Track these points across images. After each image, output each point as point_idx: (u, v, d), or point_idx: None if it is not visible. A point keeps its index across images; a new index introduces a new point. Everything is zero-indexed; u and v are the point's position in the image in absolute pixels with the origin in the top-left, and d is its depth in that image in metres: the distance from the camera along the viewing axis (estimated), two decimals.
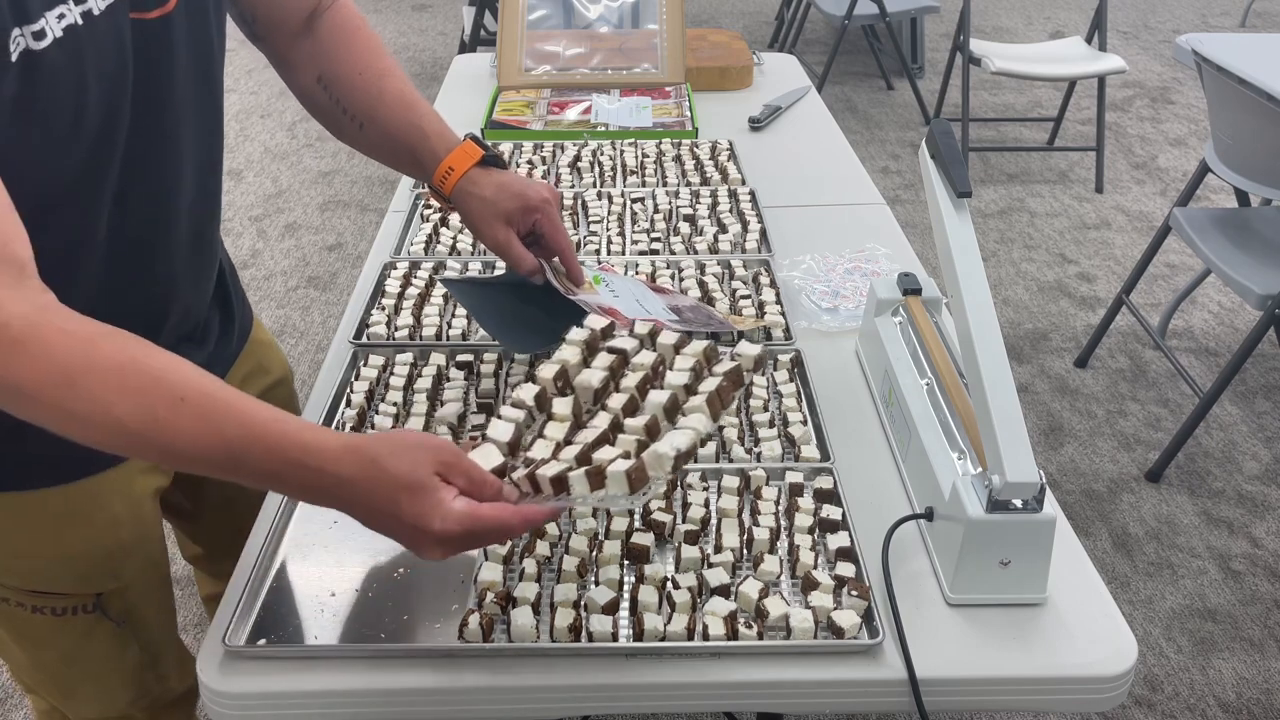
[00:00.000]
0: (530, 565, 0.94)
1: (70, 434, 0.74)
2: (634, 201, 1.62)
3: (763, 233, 1.53)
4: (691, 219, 1.58)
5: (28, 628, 1.07)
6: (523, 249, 1.12)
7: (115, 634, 1.10)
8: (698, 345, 0.95)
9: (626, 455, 0.83)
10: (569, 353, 0.96)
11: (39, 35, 0.78)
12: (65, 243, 0.89)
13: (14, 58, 0.77)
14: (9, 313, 0.71)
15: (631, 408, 0.90)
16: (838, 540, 0.97)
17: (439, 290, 1.37)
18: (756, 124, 1.97)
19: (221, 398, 0.75)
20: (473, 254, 1.47)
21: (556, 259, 1.15)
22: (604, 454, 0.84)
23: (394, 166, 1.19)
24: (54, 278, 0.77)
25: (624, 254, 1.48)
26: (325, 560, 0.97)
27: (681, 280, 1.41)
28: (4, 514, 0.99)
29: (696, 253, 1.48)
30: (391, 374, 1.21)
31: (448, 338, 1.28)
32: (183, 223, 1.01)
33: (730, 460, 1.09)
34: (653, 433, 0.86)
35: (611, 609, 0.90)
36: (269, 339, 1.30)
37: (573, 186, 1.69)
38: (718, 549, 0.96)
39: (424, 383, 1.18)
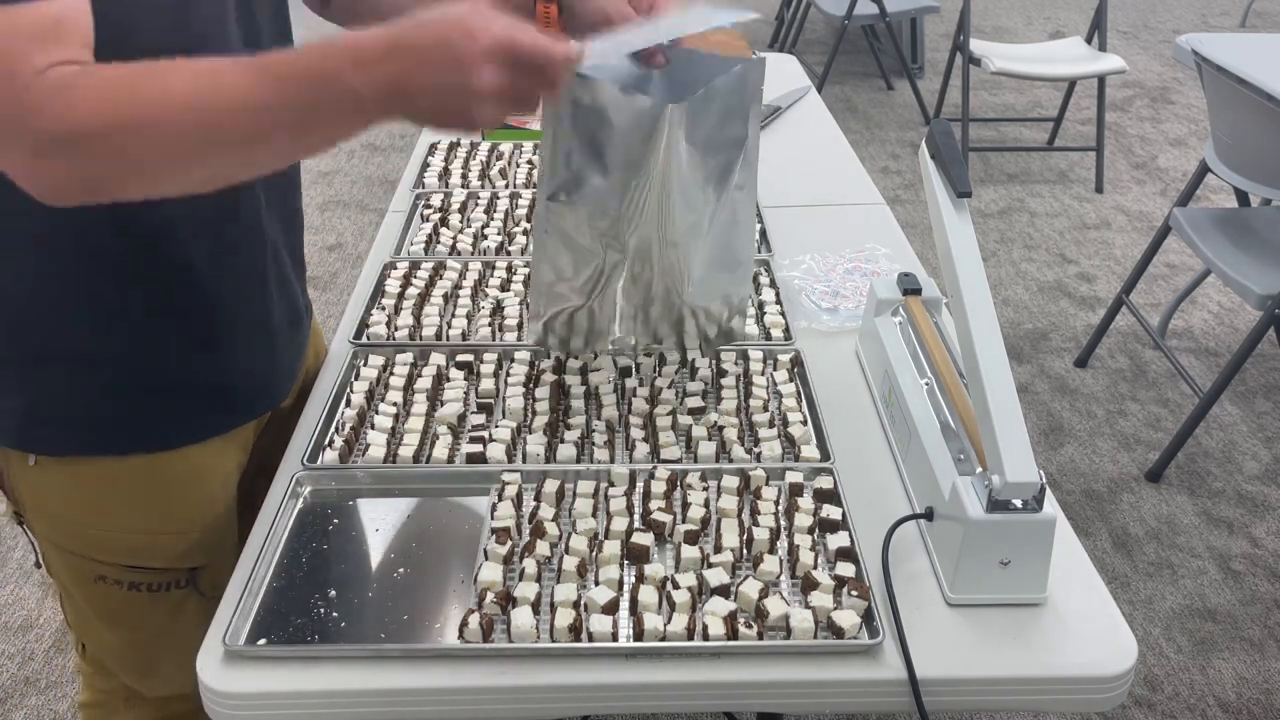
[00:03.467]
0: (530, 565, 0.94)
1: (150, 148, 0.74)
2: None
3: (763, 233, 1.53)
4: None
5: (121, 606, 1.07)
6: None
7: (204, 608, 1.07)
8: None
9: None
10: None
11: None
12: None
13: None
14: (60, 70, 0.72)
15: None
16: (838, 540, 0.97)
17: (439, 290, 1.37)
18: None
19: (255, 55, 0.76)
20: (472, 254, 1.47)
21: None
22: None
23: None
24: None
25: None
26: (325, 560, 0.97)
27: None
28: (117, 482, 1.00)
29: None
30: (391, 374, 1.21)
31: (448, 338, 1.28)
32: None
33: (730, 460, 1.09)
34: None
35: (611, 609, 0.90)
36: (316, 325, 1.30)
37: None
38: (717, 549, 0.97)
39: (424, 383, 1.18)
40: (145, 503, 1.03)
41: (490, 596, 0.90)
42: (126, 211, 0.83)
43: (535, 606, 0.89)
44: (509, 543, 0.96)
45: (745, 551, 0.97)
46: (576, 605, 0.90)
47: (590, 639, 0.87)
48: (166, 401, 0.99)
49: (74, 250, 0.90)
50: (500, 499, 1.02)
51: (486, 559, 0.95)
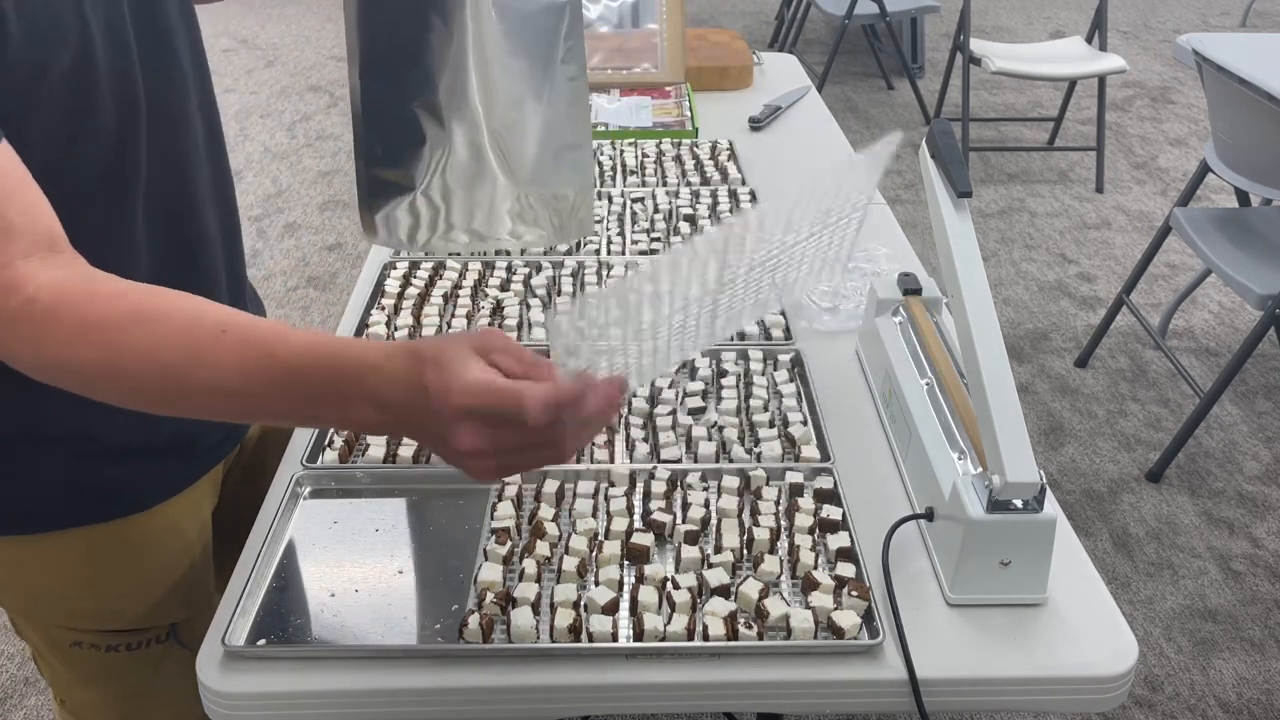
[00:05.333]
0: (530, 565, 0.94)
1: (124, 396, 0.72)
2: (634, 201, 1.62)
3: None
4: (691, 219, 1.57)
5: (100, 668, 1.05)
6: None
7: (186, 659, 1.04)
8: None
9: None
10: None
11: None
12: (109, 241, 0.86)
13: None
14: (37, 284, 0.68)
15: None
16: (838, 540, 0.97)
17: (439, 290, 1.37)
18: (756, 124, 1.97)
19: (262, 326, 0.72)
20: (472, 255, 1.47)
21: None
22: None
23: None
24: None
25: (624, 254, 1.48)
26: (325, 560, 0.97)
27: None
28: (82, 553, 0.98)
29: None
30: None
31: None
32: (209, 209, 0.99)
33: (730, 460, 1.09)
34: None
35: (611, 609, 0.90)
36: None
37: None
38: (718, 549, 0.96)
39: None
40: (120, 567, 1.01)
41: (490, 596, 0.90)
42: None
43: (535, 607, 0.89)
44: (509, 543, 0.96)
45: (745, 552, 0.97)
46: (576, 605, 0.90)
47: (590, 639, 0.87)
48: (132, 466, 0.95)
49: None
50: (500, 499, 1.02)
51: (486, 559, 0.95)
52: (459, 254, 1.47)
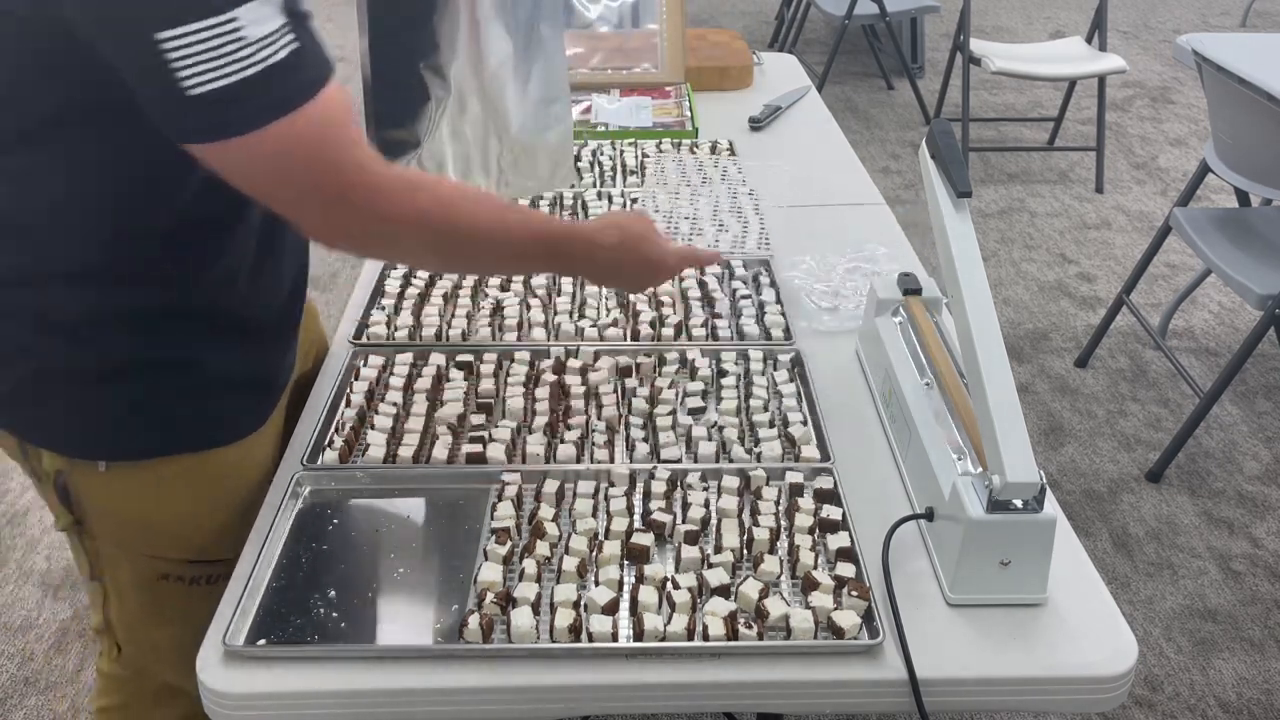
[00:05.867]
0: (530, 565, 0.94)
1: (448, 249, 0.95)
2: (634, 201, 1.62)
3: (762, 233, 1.53)
4: (692, 219, 1.58)
5: (179, 603, 1.08)
6: None
7: None
8: None
9: None
10: None
11: None
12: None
13: None
14: (377, 163, 0.85)
15: None
16: (838, 540, 0.97)
17: (439, 290, 1.37)
18: (756, 124, 1.97)
19: (526, 209, 1.07)
20: None
21: None
22: None
23: None
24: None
25: None
26: (325, 560, 0.97)
27: (681, 281, 1.41)
28: (176, 481, 1.03)
29: None
30: (391, 374, 1.21)
31: (448, 338, 1.28)
32: None
33: (730, 460, 1.09)
34: None
35: (611, 609, 0.90)
36: (313, 308, 1.31)
37: (573, 186, 1.69)
38: (718, 549, 0.96)
39: (424, 383, 1.18)
40: (207, 495, 1.06)
41: (490, 596, 0.90)
42: (189, 241, 0.94)
43: (535, 607, 0.89)
44: (509, 543, 0.96)
45: (745, 552, 0.97)
46: (576, 605, 0.90)
47: (590, 639, 0.87)
48: (227, 398, 1.03)
49: (143, 277, 0.94)
50: (500, 499, 1.02)
51: (486, 559, 0.95)
52: None
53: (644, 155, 1.77)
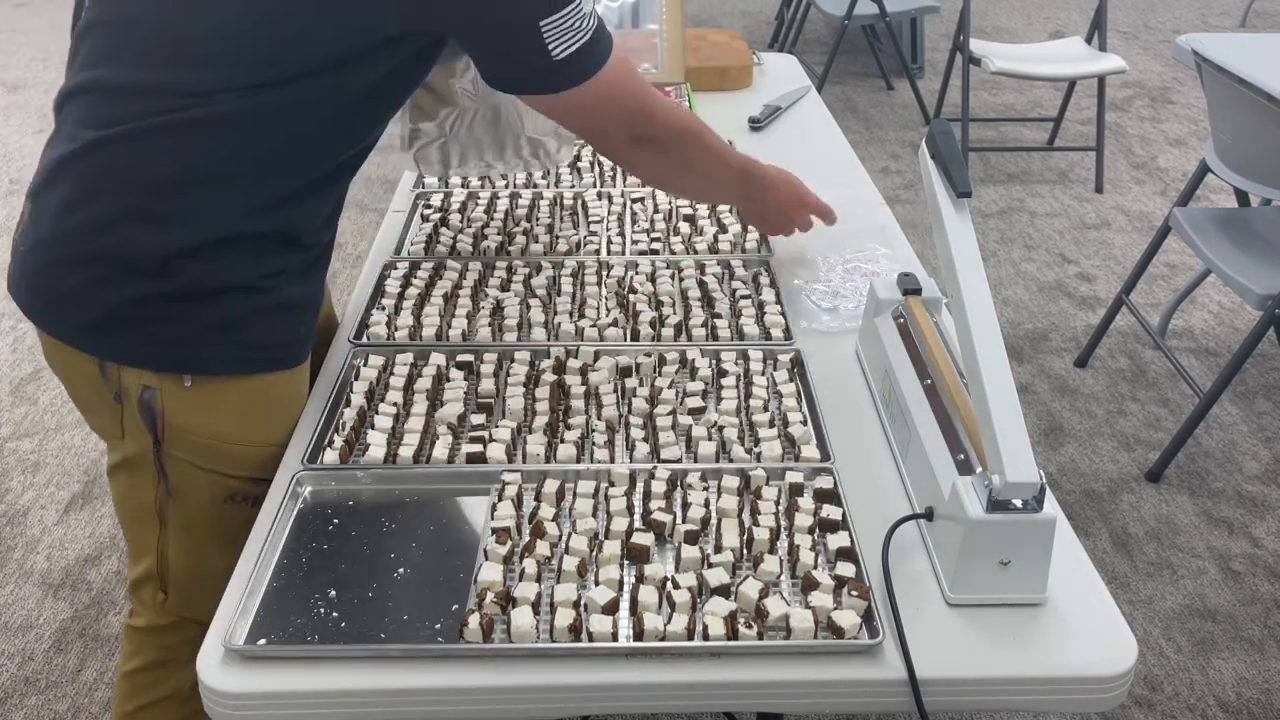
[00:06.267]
0: (530, 565, 0.94)
1: (699, 162, 1.25)
2: (634, 201, 1.62)
3: (762, 233, 1.53)
4: (691, 219, 1.58)
5: (242, 528, 1.08)
6: None
7: None
8: None
9: None
10: None
11: None
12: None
13: None
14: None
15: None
16: (838, 540, 0.97)
17: (439, 290, 1.37)
18: (756, 124, 1.97)
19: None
20: (472, 254, 1.47)
21: None
22: None
23: None
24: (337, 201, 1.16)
25: (624, 254, 1.48)
26: (325, 560, 0.97)
27: (682, 280, 1.42)
28: (253, 398, 1.11)
29: (696, 253, 1.48)
30: (391, 374, 1.21)
31: (448, 338, 1.28)
32: None
33: (730, 460, 1.09)
34: None
35: (612, 609, 0.90)
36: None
37: (573, 186, 1.69)
38: (718, 549, 0.96)
39: (424, 383, 1.18)
40: (270, 415, 1.14)
41: (490, 596, 0.90)
42: (329, 188, 1.13)
43: (535, 607, 0.89)
44: (509, 543, 0.96)
45: (745, 551, 0.97)
46: (576, 605, 0.90)
47: (590, 639, 0.87)
48: (297, 321, 1.14)
49: (272, 216, 1.07)
50: (500, 499, 1.02)
51: (486, 559, 0.95)
52: (459, 254, 1.47)
53: None
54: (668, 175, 1.27)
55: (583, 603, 0.91)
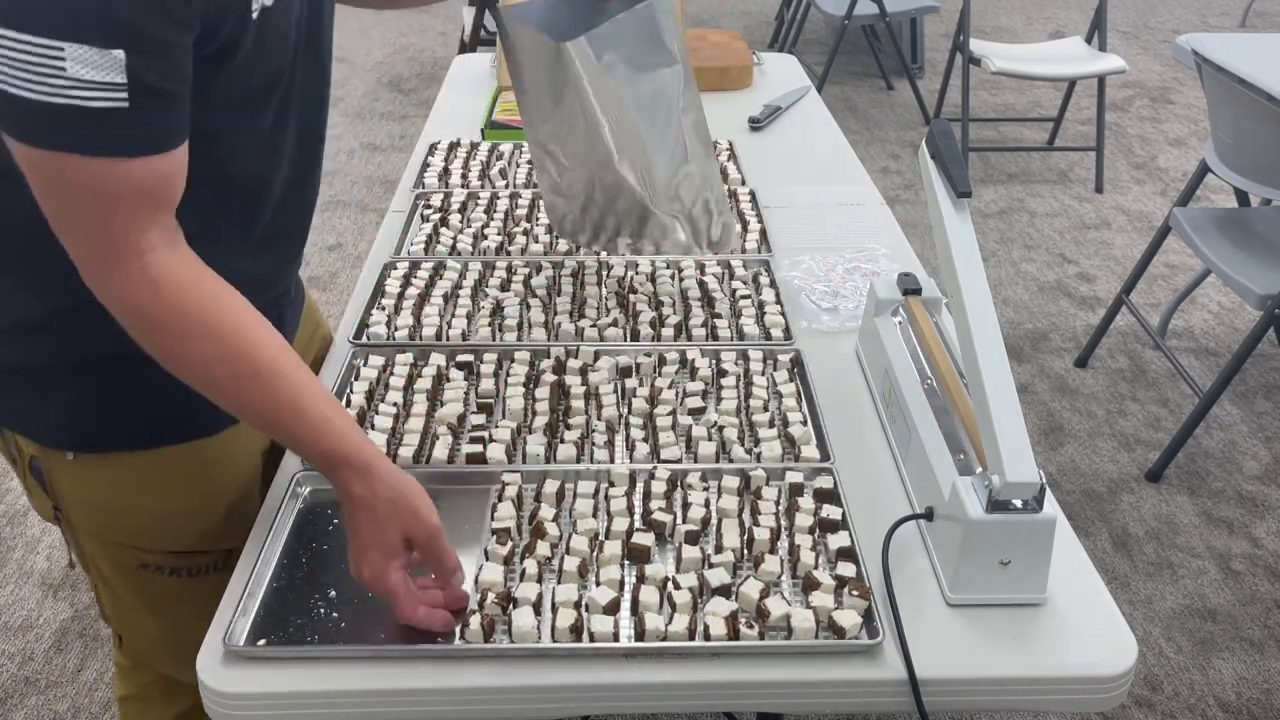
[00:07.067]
0: (531, 565, 0.93)
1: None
2: None
3: (763, 233, 1.53)
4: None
5: (164, 593, 1.09)
6: None
7: None
8: None
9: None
10: None
11: None
12: (264, 178, 1.00)
13: (255, 15, 0.86)
14: (158, 255, 0.83)
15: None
16: (838, 540, 0.97)
17: (439, 290, 1.37)
18: (756, 124, 1.97)
19: (289, 384, 0.88)
20: (473, 254, 1.47)
21: None
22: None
23: None
24: (246, 205, 0.97)
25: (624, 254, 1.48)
26: (325, 560, 0.97)
27: (682, 280, 1.41)
28: (157, 471, 1.04)
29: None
30: (391, 374, 1.21)
31: (448, 338, 1.28)
32: (322, 154, 1.11)
33: (730, 460, 1.09)
34: None
35: (612, 609, 0.90)
36: (312, 298, 1.33)
37: None
38: (718, 549, 0.96)
39: (424, 383, 1.18)
40: (183, 489, 1.06)
41: (491, 597, 0.90)
42: None
43: (536, 607, 0.89)
44: (509, 543, 0.96)
45: (746, 552, 0.97)
46: (578, 605, 0.90)
47: (592, 639, 0.87)
48: (190, 395, 1.00)
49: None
50: (500, 499, 1.02)
51: (487, 559, 0.95)
52: (459, 254, 1.47)
53: None
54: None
55: (584, 603, 0.91)
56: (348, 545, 0.90)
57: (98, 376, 0.98)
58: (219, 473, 1.08)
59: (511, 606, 0.89)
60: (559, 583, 0.93)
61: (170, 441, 1.03)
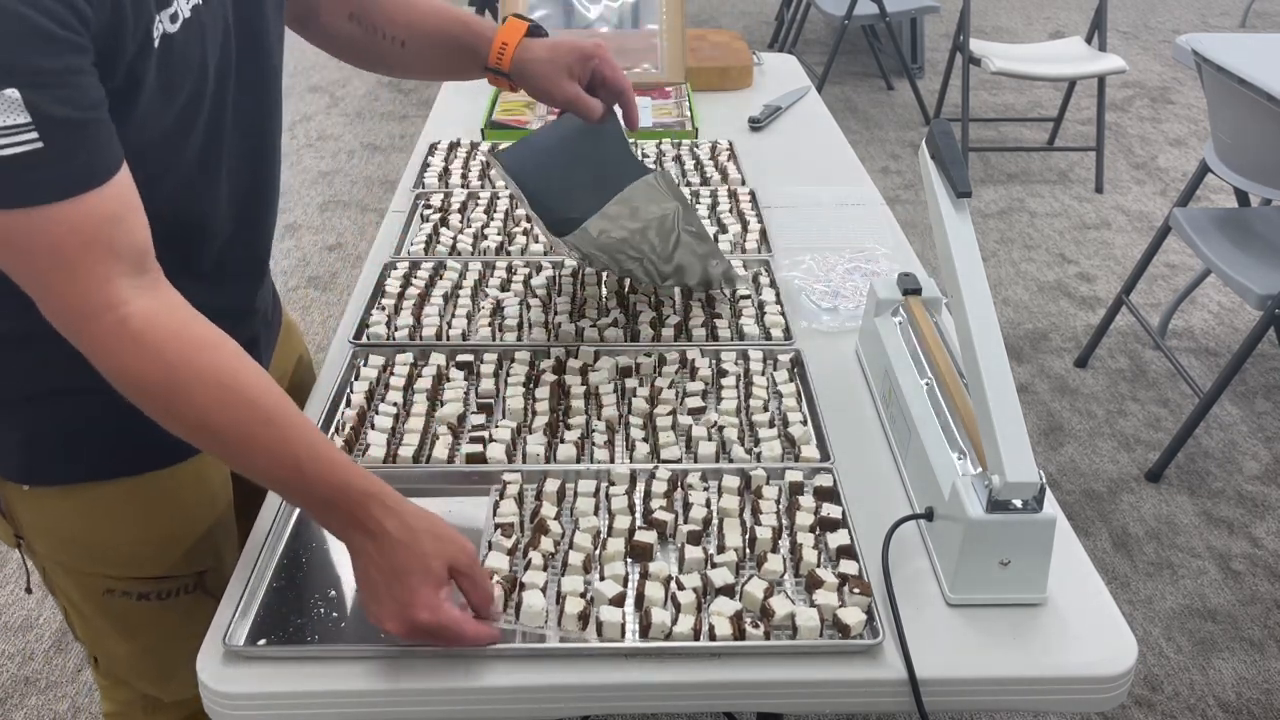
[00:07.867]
0: (536, 558, 0.93)
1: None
2: None
3: (763, 233, 1.53)
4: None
5: (133, 616, 1.08)
6: (590, 98, 1.19)
7: (214, 609, 1.04)
8: None
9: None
10: None
11: (174, 18, 0.84)
12: (198, 213, 0.96)
13: (156, 43, 0.82)
14: (132, 307, 0.77)
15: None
16: (838, 539, 0.97)
17: (439, 290, 1.37)
18: (756, 124, 1.97)
19: (300, 426, 0.83)
20: (473, 254, 1.47)
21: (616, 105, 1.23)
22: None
23: (443, 73, 1.28)
24: (187, 244, 0.92)
25: None
26: (325, 560, 0.97)
27: None
28: (117, 501, 1.02)
29: None
30: (391, 374, 1.21)
31: (448, 338, 1.28)
32: (275, 180, 1.08)
33: (730, 460, 1.09)
34: None
35: (619, 602, 0.90)
36: (291, 319, 1.32)
37: None
38: (720, 549, 0.96)
39: (424, 383, 1.18)
40: (147, 517, 1.04)
41: (496, 578, 0.90)
42: None
43: (543, 593, 0.89)
44: (514, 536, 0.96)
45: (749, 551, 0.97)
46: (583, 597, 0.90)
47: (599, 629, 0.87)
48: (152, 426, 0.93)
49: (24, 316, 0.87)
50: (502, 499, 1.02)
51: (491, 549, 0.95)
52: (459, 254, 1.47)
53: (644, 156, 1.77)
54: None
55: (589, 596, 0.91)
56: (376, 593, 0.83)
57: (53, 409, 0.96)
58: (183, 497, 1.06)
59: (520, 590, 0.89)
60: (564, 575, 0.93)
61: (131, 473, 1.01)
